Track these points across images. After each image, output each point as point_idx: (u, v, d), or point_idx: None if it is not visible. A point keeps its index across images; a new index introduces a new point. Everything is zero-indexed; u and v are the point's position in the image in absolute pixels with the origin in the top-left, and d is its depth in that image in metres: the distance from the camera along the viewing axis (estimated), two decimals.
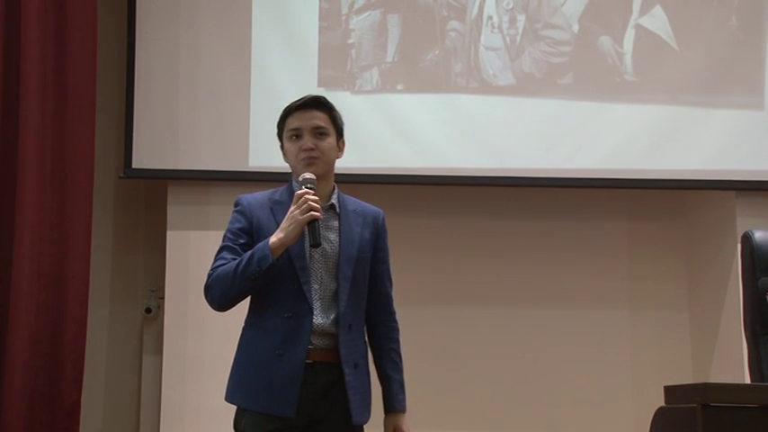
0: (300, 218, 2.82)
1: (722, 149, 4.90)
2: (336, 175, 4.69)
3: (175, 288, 4.71)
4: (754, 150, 4.89)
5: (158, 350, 4.83)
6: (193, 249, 4.74)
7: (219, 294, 2.90)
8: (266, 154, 4.44)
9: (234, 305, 2.94)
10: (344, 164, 4.71)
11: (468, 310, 5.11)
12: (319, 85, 4.77)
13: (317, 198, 2.86)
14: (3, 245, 4.37)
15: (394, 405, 3.03)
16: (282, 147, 3.05)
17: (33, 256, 4.35)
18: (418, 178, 4.89)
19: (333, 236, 2.96)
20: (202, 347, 4.66)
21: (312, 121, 2.99)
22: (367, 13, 4.91)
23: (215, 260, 2.95)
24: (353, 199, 3.10)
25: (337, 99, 4.71)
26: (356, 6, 4.90)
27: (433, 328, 5.07)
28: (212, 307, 2.95)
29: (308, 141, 2.96)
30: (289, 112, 3.03)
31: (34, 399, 4.32)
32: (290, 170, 3.03)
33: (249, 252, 2.86)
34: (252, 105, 4.76)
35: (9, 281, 4.32)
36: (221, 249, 2.96)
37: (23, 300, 4.30)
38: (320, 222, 2.85)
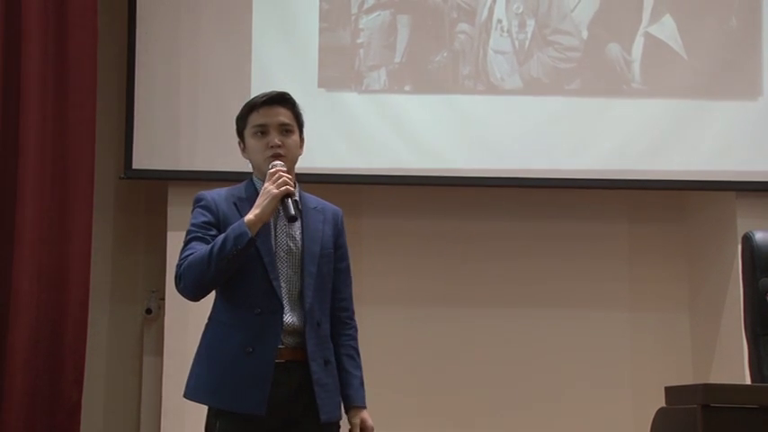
0: (276, 191, 2.80)
1: (722, 150, 4.89)
2: (340, 175, 4.75)
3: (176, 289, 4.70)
4: (754, 151, 4.88)
5: (159, 351, 4.83)
6: None
7: (193, 281, 2.83)
8: None
9: (208, 292, 2.89)
10: (349, 164, 4.82)
11: (468, 311, 5.11)
12: (319, 86, 4.76)
13: (290, 176, 2.85)
14: (3, 245, 4.36)
15: (356, 400, 2.96)
16: (242, 143, 3.02)
17: (33, 256, 4.34)
18: (422, 179, 4.88)
19: (296, 233, 2.94)
20: None
21: (278, 117, 2.96)
22: (377, 13, 4.90)
23: (183, 252, 2.89)
24: (314, 197, 3.08)
25: (341, 99, 4.81)
26: (366, 6, 4.90)
27: (434, 330, 5.09)
28: (185, 296, 2.89)
29: (274, 138, 2.93)
30: (252, 107, 2.99)
31: (35, 399, 4.31)
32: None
33: (222, 235, 2.81)
34: None
35: (9, 281, 4.31)
36: (189, 241, 2.90)
37: (23, 300, 4.29)
38: (291, 200, 2.83)
